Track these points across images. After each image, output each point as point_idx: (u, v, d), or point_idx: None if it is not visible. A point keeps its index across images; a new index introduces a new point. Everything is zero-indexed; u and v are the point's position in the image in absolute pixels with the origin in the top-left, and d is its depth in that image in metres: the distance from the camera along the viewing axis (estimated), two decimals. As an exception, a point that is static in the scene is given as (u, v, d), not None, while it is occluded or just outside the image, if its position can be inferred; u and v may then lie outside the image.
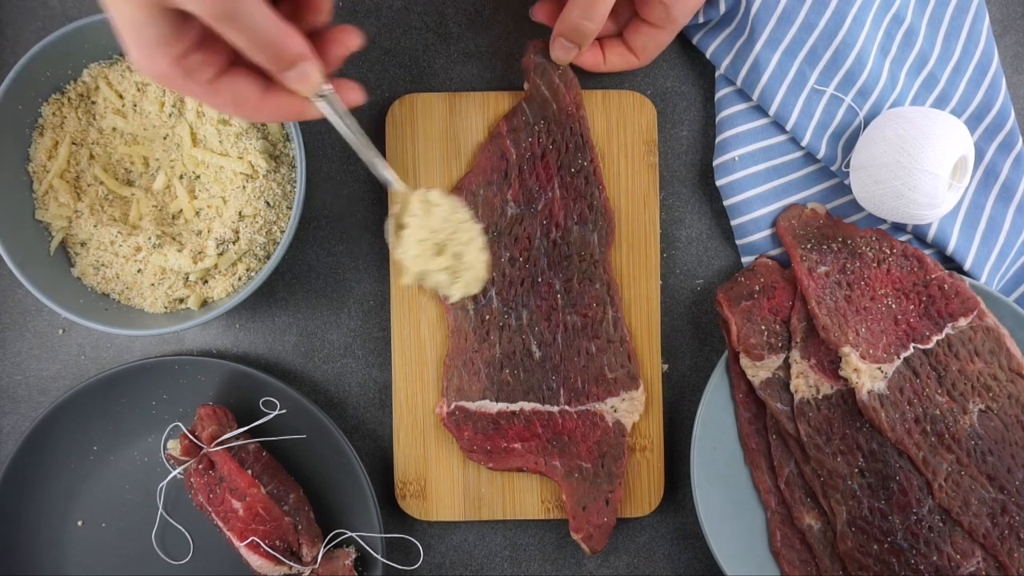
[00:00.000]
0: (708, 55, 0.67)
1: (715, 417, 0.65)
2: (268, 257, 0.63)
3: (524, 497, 0.67)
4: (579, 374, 0.66)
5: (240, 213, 0.62)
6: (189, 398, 0.66)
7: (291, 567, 0.63)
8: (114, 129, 0.64)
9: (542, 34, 0.68)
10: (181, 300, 0.64)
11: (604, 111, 0.67)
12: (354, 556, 0.65)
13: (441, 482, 0.67)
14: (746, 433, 0.65)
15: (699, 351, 0.69)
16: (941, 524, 0.62)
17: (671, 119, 0.69)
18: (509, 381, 0.66)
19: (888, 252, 0.64)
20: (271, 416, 0.65)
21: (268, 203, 0.62)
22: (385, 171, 0.57)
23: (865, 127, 0.65)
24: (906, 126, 0.61)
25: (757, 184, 0.67)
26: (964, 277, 0.64)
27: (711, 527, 0.64)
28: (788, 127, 0.66)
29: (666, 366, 0.68)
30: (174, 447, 0.64)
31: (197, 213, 0.64)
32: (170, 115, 0.63)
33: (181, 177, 0.64)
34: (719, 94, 0.67)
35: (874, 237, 0.64)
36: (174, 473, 0.66)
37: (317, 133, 0.68)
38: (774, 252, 0.67)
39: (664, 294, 0.68)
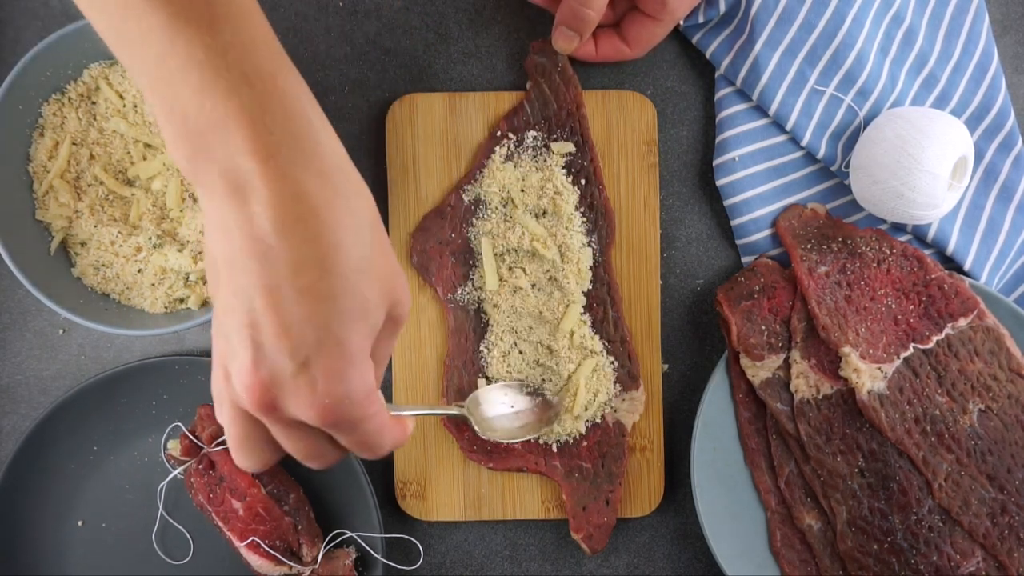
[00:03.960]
0: (708, 55, 0.67)
1: (715, 417, 0.65)
2: (268, 257, 0.63)
3: (524, 497, 0.67)
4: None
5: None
6: (189, 398, 0.66)
7: (291, 567, 0.63)
8: (114, 130, 0.64)
9: (543, 34, 0.68)
10: (181, 300, 0.64)
11: (604, 111, 0.67)
12: (354, 556, 0.65)
13: (441, 482, 0.67)
14: (746, 433, 0.65)
15: (699, 351, 0.69)
16: (941, 524, 0.62)
17: (671, 119, 0.69)
18: (509, 381, 0.66)
19: (888, 252, 0.64)
20: (271, 416, 0.65)
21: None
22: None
23: (865, 127, 0.65)
24: (906, 126, 0.61)
25: (757, 184, 0.67)
26: (964, 277, 0.64)
27: (711, 527, 0.64)
28: (788, 127, 0.66)
29: (666, 366, 0.68)
30: (174, 447, 0.64)
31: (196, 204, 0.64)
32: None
33: (182, 177, 0.64)
34: (719, 94, 0.67)
35: (874, 237, 0.64)
36: (174, 473, 0.66)
37: (317, 133, 0.68)
38: (774, 252, 0.67)
39: (664, 294, 0.68)
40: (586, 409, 0.65)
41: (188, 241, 0.63)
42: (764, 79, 0.65)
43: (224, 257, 0.40)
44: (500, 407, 0.64)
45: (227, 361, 0.41)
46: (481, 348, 0.66)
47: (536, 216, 0.66)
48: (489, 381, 0.66)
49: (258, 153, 0.38)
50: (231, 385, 0.41)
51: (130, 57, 0.40)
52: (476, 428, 0.62)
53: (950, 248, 0.66)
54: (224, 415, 0.43)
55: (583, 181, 0.66)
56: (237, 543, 0.63)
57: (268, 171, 0.38)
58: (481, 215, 0.66)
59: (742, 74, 0.66)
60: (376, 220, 0.42)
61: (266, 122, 0.39)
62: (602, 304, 0.66)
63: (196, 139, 0.39)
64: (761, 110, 0.67)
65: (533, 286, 0.66)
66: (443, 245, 0.66)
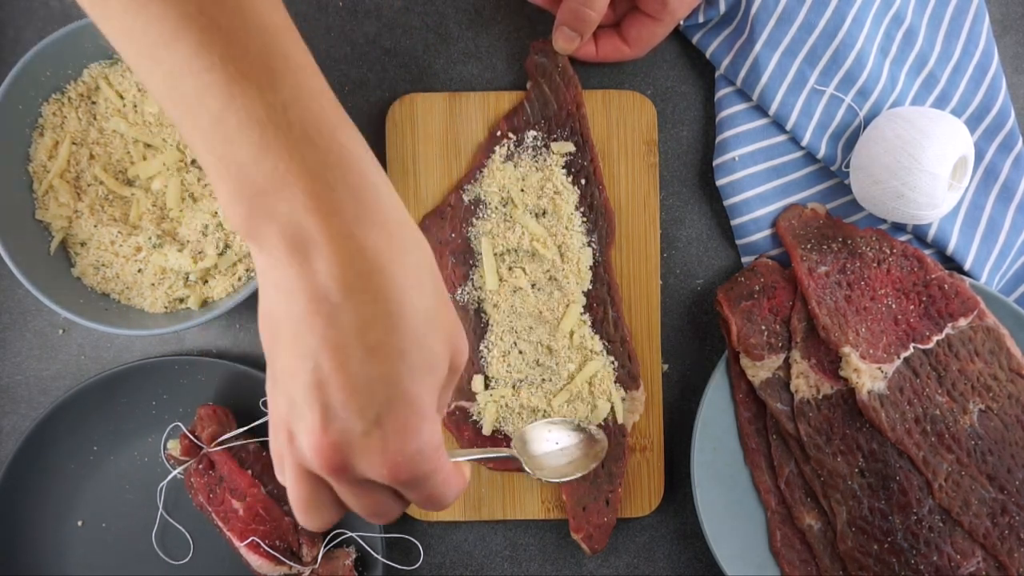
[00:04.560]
0: (708, 55, 0.67)
1: (715, 417, 0.65)
2: (268, 257, 0.63)
3: (524, 497, 0.67)
4: (579, 374, 0.66)
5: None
6: (189, 398, 0.66)
7: (291, 567, 0.63)
8: (114, 130, 0.64)
9: (543, 34, 0.68)
10: (181, 300, 0.64)
11: (604, 111, 0.67)
12: (354, 556, 0.65)
13: (441, 482, 0.67)
14: (746, 433, 0.65)
15: (699, 351, 0.69)
16: (941, 524, 0.62)
17: (671, 119, 0.69)
18: (509, 381, 0.66)
19: (888, 252, 0.64)
20: (271, 416, 0.65)
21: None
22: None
23: (865, 127, 0.65)
24: (906, 126, 0.61)
25: (757, 184, 0.67)
26: (964, 277, 0.64)
27: (711, 527, 0.64)
28: (788, 127, 0.66)
29: (666, 366, 0.68)
30: (174, 447, 0.64)
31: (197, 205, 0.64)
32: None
33: (182, 177, 0.64)
34: (719, 94, 0.67)
35: (874, 237, 0.64)
36: (174, 473, 0.66)
37: (317, 133, 0.68)
38: (774, 252, 0.67)
39: (664, 294, 0.68)
40: (594, 410, 0.65)
41: (188, 241, 0.63)
42: (764, 79, 0.65)
43: (286, 318, 0.38)
44: (546, 444, 0.63)
45: (292, 423, 0.40)
46: (481, 348, 0.66)
47: (536, 216, 0.66)
48: (488, 381, 0.66)
49: (321, 210, 0.37)
50: (296, 447, 0.40)
51: (184, 115, 0.39)
52: (527, 468, 0.61)
53: (950, 248, 0.66)
54: (288, 477, 0.42)
55: (583, 181, 0.66)
56: (237, 543, 0.63)
57: (331, 228, 0.38)
58: (481, 215, 0.66)
59: (742, 74, 0.66)
60: (436, 272, 0.42)
61: (328, 179, 0.38)
62: (602, 304, 0.66)
63: (256, 198, 0.38)
64: (761, 110, 0.67)
65: (533, 286, 0.66)
66: (443, 245, 0.66)
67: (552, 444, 0.63)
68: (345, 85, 0.68)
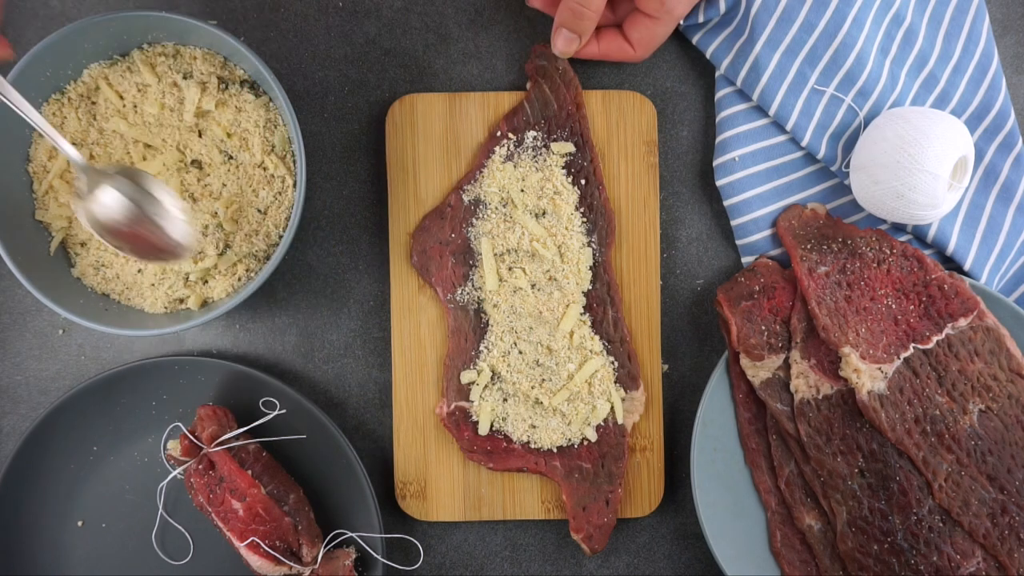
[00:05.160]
0: (708, 55, 0.67)
1: (715, 417, 0.65)
2: (268, 258, 0.63)
3: (524, 497, 0.67)
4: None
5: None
6: (189, 398, 0.66)
7: (291, 567, 0.63)
8: (114, 130, 0.64)
9: (543, 34, 0.68)
10: (181, 300, 0.64)
11: (604, 111, 0.67)
12: (354, 556, 0.65)
13: (441, 482, 0.67)
14: (746, 433, 0.65)
15: (699, 351, 0.69)
16: (941, 524, 0.62)
17: (671, 119, 0.69)
18: (509, 381, 0.66)
19: (888, 252, 0.64)
20: (271, 416, 0.65)
21: (269, 203, 0.62)
22: (66, 147, 0.55)
23: (865, 127, 0.65)
24: (906, 126, 0.61)
25: (757, 184, 0.67)
26: (964, 277, 0.64)
27: (711, 527, 0.64)
28: (788, 127, 0.66)
29: (666, 366, 0.68)
30: (174, 447, 0.64)
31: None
32: (171, 115, 0.63)
33: (182, 178, 0.64)
34: (719, 94, 0.67)
35: (874, 237, 0.64)
36: (174, 473, 0.66)
37: (318, 134, 0.68)
38: (774, 252, 0.67)
39: (664, 294, 0.68)
40: (594, 410, 0.65)
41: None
42: (764, 79, 0.65)
43: None
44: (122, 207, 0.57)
45: None
46: (481, 348, 0.66)
47: (536, 216, 0.66)
48: (492, 379, 0.66)
49: None
50: None
51: None
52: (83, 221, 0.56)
53: (950, 248, 0.66)
54: None
55: (583, 181, 0.66)
56: (237, 543, 0.63)
57: None
58: (481, 215, 0.66)
59: (742, 74, 0.66)
60: None
61: None
62: (602, 304, 0.66)
63: None
64: (761, 110, 0.67)
65: (533, 286, 0.66)
66: (443, 245, 0.66)
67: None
68: (345, 85, 0.68)
